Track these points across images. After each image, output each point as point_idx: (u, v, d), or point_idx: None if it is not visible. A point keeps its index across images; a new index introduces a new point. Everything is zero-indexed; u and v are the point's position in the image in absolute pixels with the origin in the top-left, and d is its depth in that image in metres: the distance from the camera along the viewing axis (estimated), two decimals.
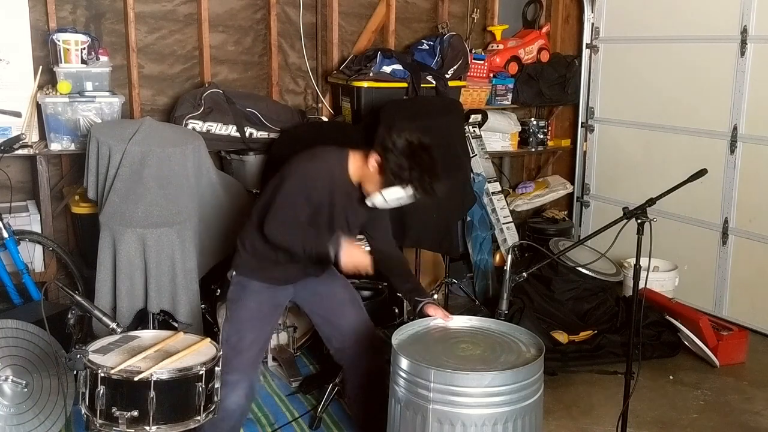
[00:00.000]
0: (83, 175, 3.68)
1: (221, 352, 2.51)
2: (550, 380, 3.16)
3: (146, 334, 2.65)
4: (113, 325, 2.60)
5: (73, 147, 4.01)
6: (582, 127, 5.62)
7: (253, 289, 2.93)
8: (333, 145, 2.88)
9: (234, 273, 2.97)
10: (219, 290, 3.95)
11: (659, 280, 4.56)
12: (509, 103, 5.41)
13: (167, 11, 4.50)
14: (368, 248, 3.28)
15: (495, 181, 5.12)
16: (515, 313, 3.96)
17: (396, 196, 2.70)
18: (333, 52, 4.93)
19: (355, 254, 2.70)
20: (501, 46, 5.39)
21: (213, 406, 2.46)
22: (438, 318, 2.81)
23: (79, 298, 2.59)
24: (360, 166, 2.77)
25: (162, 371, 2.33)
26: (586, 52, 5.52)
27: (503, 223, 5.06)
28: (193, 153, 3.67)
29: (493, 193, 5.05)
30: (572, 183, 5.73)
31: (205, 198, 3.74)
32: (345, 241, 2.70)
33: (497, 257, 5.07)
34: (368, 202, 2.77)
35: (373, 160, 2.70)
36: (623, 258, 4.63)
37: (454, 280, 4.72)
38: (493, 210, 5.05)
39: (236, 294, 2.95)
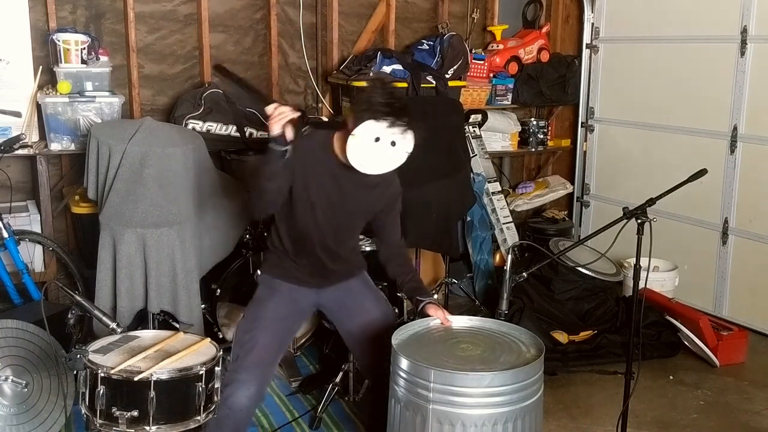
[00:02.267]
0: (83, 175, 3.68)
1: (221, 352, 2.51)
2: (550, 380, 3.16)
3: (146, 334, 2.65)
4: (113, 325, 2.60)
5: (73, 147, 4.01)
6: (582, 127, 5.62)
7: (275, 288, 2.93)
8: None
9: (259, 272, 3.00)
10: (219, 290, 3.95)
11: (659, 280, 4.56)
12: (509, 103, 5.41)
13: (167, 11, 4.50)
14: (374, 247, 3.29)
15: (495, 181, 5.12)
16: (515, 313, 3.97)
17: (370, 135, 2.58)
18: (333, 52, 4.93)
19: (277, 111, 2.56)
20: (501, 46, 5.39)
21: (213, 406, 2.46)
22: (438, 318, 2.80)
23: (79, 298, 2.59)
24: (343, 138, 2.68)
25: (162, 371, 2.33)
26: (586, 52, 5.52)
27: (503, 223, 5.06)
28: (193, 153, 3.66)
29: (493, 193, 5.05)
30: (572, 183, 5.73)
31: (205, 198, 3.73)
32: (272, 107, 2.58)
33: (497, 257, 5.07)
34: (349, 157, 2.63)
35: (350, 120, 2.65)
36: (623, 258, 4.63)
37: (454, 280, 4.72)
38: (493, 210, 5.05)
39: (259, 293, 2.96)
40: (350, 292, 3.01)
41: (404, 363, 2.47)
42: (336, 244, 2.92)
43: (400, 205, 3.00)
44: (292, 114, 2.56)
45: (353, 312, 2.98)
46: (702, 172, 3.17)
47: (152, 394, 2.30)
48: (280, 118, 2.55)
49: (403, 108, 2.62)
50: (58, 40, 3.97)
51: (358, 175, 2.69)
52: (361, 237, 3.75)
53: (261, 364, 2.83)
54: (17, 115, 3.97)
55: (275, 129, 2.56)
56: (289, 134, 2.59)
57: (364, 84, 2.69)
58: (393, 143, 2.62)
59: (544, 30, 5.55)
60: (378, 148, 2.62)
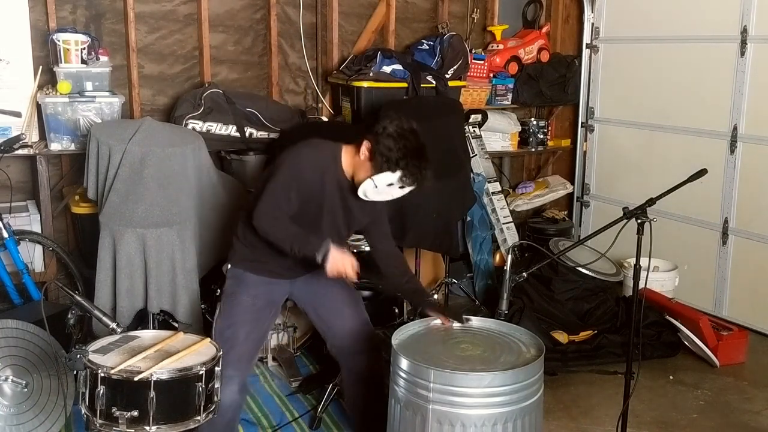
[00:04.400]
0: (83, 175, 3.68)
1: (221, 352, 2.51)
2: (550, 380, 3.16)
3: (146, 334, 2.65)
4: (113, 325, 2.60)
5: (73, 147, 4.01)
6: (582, 127, 5.62)
7: (249, 282, 2.92)
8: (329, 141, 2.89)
9: (229, 266, 2.97)
10: (219, 290, 3.95)
11: (659, 280, 4.56)
12: (509, 103, 5.41)
13: (167, 11, 4.50)
14: (367, 248, 3.28)
15: (495, 181, 5.12)
16: (515, 313, 3.97)
17: (386, 181, 2.67)
18: (333, 52, 4.93)
19: (340, 260, 2.69)
20: (501, 46, 5.39)
21: (213, 406, 2.46)
22: (438, 319, 2.81)
23: (79, 298, 2.59)
24: (352, 156, 2.77)
25: (162, 371, 2.33)
26: (586, 52, 5.52)
27: (503, 223, 5.06)
28: (193, 153, 3.67)
29: (493, 193, 5.05)
30: (572, 183, 5.73)
31: (205, 198, 3.74)
32: (333, 246, 2.69)
33: (497, 257, 5.07)
34: (360, 192, 2.73)
35: (365, 147, 2.70)
36: (623, 258, 4.63)
37: (454, 280, 4.73)
38: (493, 210, 5.05)
39: (231, 287, 2.95)
40: (320, 278, 2.96)
41: (404, 363, 2.48)
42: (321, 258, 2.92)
43: (386, 212, 3.03)
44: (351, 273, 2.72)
45: (323, 297, 3.01)
46: (702, 172, 3.17)
47: (152, 394, 2.30)
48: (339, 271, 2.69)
49: (424, 161, 2.69)
50: (58, 40, 3.97)
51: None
52: (361, 237, 3.75)
53: (244, 358, 2.88)
54: (17, 115, 3.97)
55: (330, 273, 2.70)
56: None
57: (391, 128, 2.70)
58: (403, 188, 2.72)
59: (544, 30, 5.55)
60: (390, 190, 2.72)
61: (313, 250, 2.69)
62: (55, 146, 3.99)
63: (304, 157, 2.79)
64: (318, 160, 2.79)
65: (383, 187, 2.70)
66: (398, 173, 2.65)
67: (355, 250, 3.64)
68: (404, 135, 2.67)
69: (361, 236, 3.74)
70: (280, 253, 2.81)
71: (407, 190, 2.72)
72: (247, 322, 2.89)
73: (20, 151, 3.92)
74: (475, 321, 2.84)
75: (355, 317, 3.03)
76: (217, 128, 4.22)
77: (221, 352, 2.51)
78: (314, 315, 3.09)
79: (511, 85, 5.37)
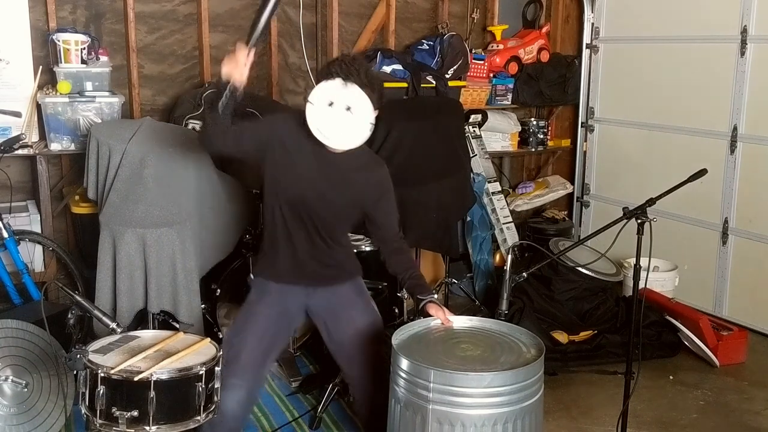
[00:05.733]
0: (83, 175, 3.68)
1: (221, 352, 2.51)
2: (550, 380, 3.16)
3: (146, 334, 2.65)
4: (113, 325, 2.60)
5: (73, 147, 4.01)
6: (582, 127, 5.62)
7: (266, 290, 2.88)
8: None
9: (252, 276, 2.98)
10: (219, 290, 3.95)
11: (659, 280, 4.56)
12: (509, 103, 5.42)
13: (167, 11, 4.50)
14: (367, 248, 3.28)
15: (495, 181, 5.12)
16: (515, 313, 3.97)
17: (325, 99, 2.56)
18: (333, 52, 4.93)
19: (233, 59, 2.58)
20: (501, 46, 5.40)
21: (213, 406, 2.46)
22: (438, 318, 2.80)
23: (79, 298, 2.59)
24: None
25: (162, 371, 2.33)
26: (586, 52, 5.52)
27: (503, 223, 5.06)
28: (192, 153, 3.66)
29: (493, 193, 5.05)
30: (572, 183, 5.73)
31: (205, 198, 3.73)
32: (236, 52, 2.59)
33: (497, 257, 5.07)
34: (319, 137, 2.60)
35: None
36: (623, 258, 4.63)
37: (454, 280, 4.73)
38: (493, 210, 5.06)
39: (250, 296, 2.92)
40: (340, 298, 2.92)
41: (404, 363, 2.47)
42: (328, 234, 2.83)
43: (393, 200, 2.90)
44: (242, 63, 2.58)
45: (340, 320, 2.90)
46: (702, 172, 3.17)
47: (152, 394, 2.30)
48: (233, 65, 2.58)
49: (359, 70, 2.58)
50: (58, 40, 3.97)
51: (338, 156, 2.69)
52: (361, 237, 3.75)
53: (251, 367, 2.78)
54: (17, 115, 3.97)
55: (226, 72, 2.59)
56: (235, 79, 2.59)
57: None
58: (348, 108, 2.58)
59: (544, 30, 5.55)
60: (333, 113, 2.58)
61: (223, 88, 2.61)
62: (55, 146, 3.99)
63: (277, 115, 2.79)
64: (288, 119, 2.77)
65: (324, 107, 2.57)
66: (334, 80, 2.56)
67: (354, 250, 3.64)
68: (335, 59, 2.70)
69: (361, 236, 3.75)
70: (287, 250, 2.78)
71: (360, 116, 2.59)
72: (257, 331, 2.82)
73: (20, 151, 3.92)
74: (475, 321, 2.83)
75: (369, 349, 2.88)
76: None
77: (221, 352, 2.51)
78: (327, 337, 2.95)
79: (511, 85, 5.37)
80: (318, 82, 2.63)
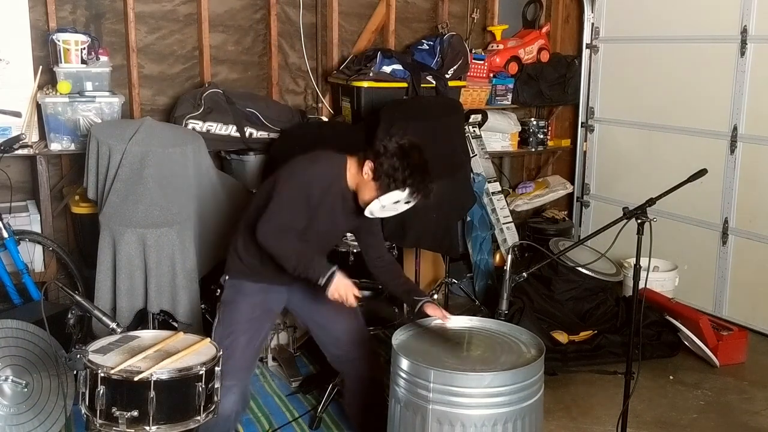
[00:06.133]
0: (83, 175, 3.68)
1: (221, 352, 2.51)
2: (550, 380, 3.15)
3: (146, 334, 2.65)
4: (113, 325, 2.60)
5: (73, 147, 4.01)
6: (582, 127, 5.62)
7: (246, 291, 2.91)
8: (332, 148, 2.87)
9: (227, 277, 2.96)
10: (219, 290, 3.95)
11: (659, 280, 4.56)
12: (509, 103, 5.42)
13: (167, 11, 4.50)
14: (359, 250, 3.27)
15: (495, 181, 5.12)
16: (515, 313, 3.97)
17: (393, 200, 2.69)
18: (333, 52, 4.93)
19: (343, 287, 2.68)
20: (501, 46, 5.39)
21: (213, 406, 2.46)
22: (438, 318, 2.80)
23: (79, 298, 2.59)
24: (356, 173, 2.76)
25: (162, 371, 2.33)
26: (586, 52, 5.52)
27: (503, 223, 5.06)
28: (193, 153, 3.67)
29: (493, 193, 5.05)
30: (572, 183, 5.73)
31: (205, 198, 3.74)
32: (338, 273, 2.68)
33: (497, 257, 5.07)
34: (367, 212, 2.74)
35: (368, 167, 2.69)
36: (623, 258, 4.63)
37: (454, 280, 4.72)
38: (493, 210, 5.05)
39: (229, 296, 2.93)
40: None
41: (404, 363, 2.48)
42: (322, 249, 2.94)
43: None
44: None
45: (318, 302, 2.94)
46: (702, 172, 3.17)
47: (152, 394, 2.30)
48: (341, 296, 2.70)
49: (428, 175, 2.70)
50: (58, 40, 3.97)
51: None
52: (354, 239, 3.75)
53: (243, 367, 2.87)
54: (17, 115, 3.96)
55: (332, 296, 2.70)
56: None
57: (391, 146, 2.70)
58: (408, 202, 2.72)
59: (544, 30, 5.55)
60: (396, 206, 2.73)
61: (316, 274, 2.68)
62: (55, 146, 3.99)
63: (311, 170, 2.77)
64: (325, 175, 2.78)
65: (390, 204, 2.71)
66: (406, 191, 2.66)
67: (354, 250, 3.65)
68: (407, 152, 2.67)
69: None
70: (280, 268, 2.79)
71: (412, 203, 2.74)
72: (247, 330, 2.88)
73: (20, 151, 3.92)
74: (475, 321, 2.84)
75: (351, 323, 3.01)
76: (217, 128, 4.22)
77: (221, 352, 2.51)
78: (312, 323, 3.07)
79: (511, 85, 5.37)
80: (387, 179, 2.67)
